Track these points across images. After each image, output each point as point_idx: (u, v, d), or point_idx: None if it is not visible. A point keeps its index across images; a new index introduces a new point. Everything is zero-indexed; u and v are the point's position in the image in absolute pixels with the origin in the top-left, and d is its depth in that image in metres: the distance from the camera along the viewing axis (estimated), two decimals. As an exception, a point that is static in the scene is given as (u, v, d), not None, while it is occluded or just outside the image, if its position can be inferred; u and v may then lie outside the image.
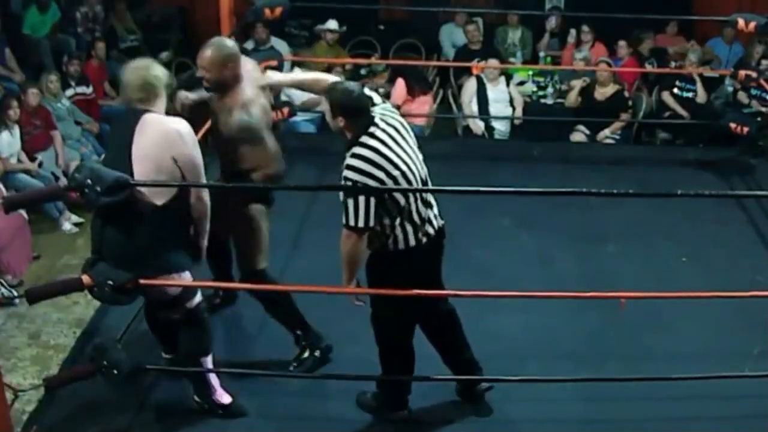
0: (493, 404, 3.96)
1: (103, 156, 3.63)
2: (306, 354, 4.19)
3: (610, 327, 4.51)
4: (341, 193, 3.43)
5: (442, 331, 3.87)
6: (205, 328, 3.76)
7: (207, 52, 3.87)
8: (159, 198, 3.41)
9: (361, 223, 3.40)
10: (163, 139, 3.39)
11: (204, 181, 3.60)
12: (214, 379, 3.86)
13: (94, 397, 3.90)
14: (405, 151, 3.50)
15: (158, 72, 3.54)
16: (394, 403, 3.90)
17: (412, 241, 3.54)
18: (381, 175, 3.40)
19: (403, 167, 3.45)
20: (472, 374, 3.92)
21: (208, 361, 3.80)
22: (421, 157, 3.62)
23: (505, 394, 3.94)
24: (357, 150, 3.43)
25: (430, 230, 3.60)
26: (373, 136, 3.45)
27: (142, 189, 3.37)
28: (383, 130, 3.48)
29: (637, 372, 4.00)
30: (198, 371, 3.82)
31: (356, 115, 3.47)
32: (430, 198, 3.62)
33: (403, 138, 3.53)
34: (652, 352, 4.37)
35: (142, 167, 3.37)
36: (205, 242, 3.67)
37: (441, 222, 3.69)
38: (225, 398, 3.89)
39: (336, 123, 3.50)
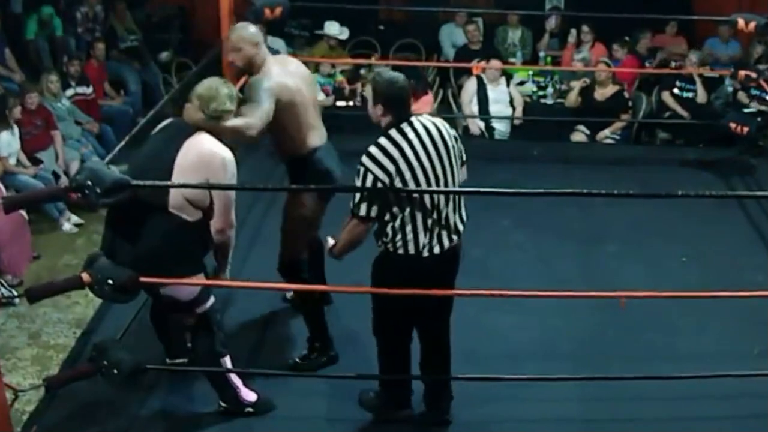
0: (494, 404, 3.97)
1: (139, 154, 3.65)
2: (314, 355, 4.20)
3: (610, 327, 4.51)
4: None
5: (426, 347, 3.84)
6: (219, 331, 3.74)
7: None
8: (192, 215, 3.46)
9: (362, 212, 3.42)
10: (204, 161, 3.44)
11: (232, 216, 3.56)
12: (235, 379, 3.84)
13: (94, 397, 3.90)
14: (430, 158, 3.46)
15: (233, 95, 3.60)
16: (396, 402, 3.89)
17: (412, 249, 3.49)
18: (391, 169, 3.39)
19: (419, 172, 3.43)
20: (438, 397, 3.89)
21: (226, 363, 3.79)
22: (454, 171, 3.55)
23: (505, 394, 3.94)
24: (380, 140, 3.45)
25: (436, 247, 3.52)
26: (401, 132, 3.45)
27: (173, 204, 3.42)
28: (414, 130, 3.47)
29: (638, 372, 4.00)
30: (206, 371, 3.82)
31: (394, 106, 3.47)
32: (449, 215, 3.53)
33: (435, 145, 3.48)
34: (652, 352, 4.37)
35: (180, 180, 3.41)
36: (227, 271, 3.70)
37: (455, 241, 3.59)
38: (251, 396, 3.88)
39: (375, 111, 3.50)
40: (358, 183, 3.43)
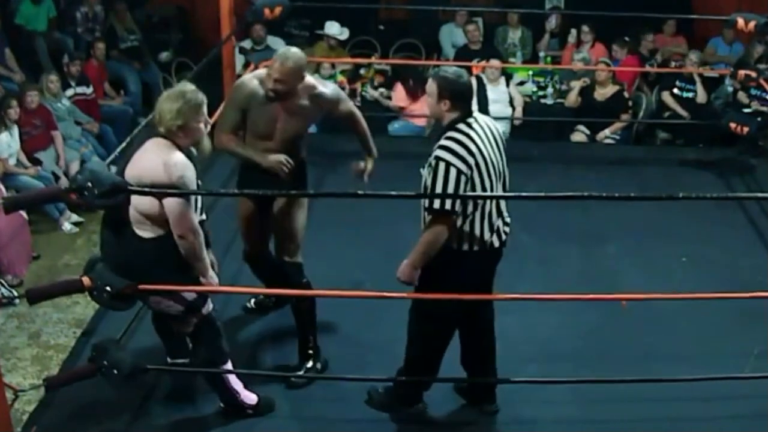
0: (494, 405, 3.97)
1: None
2: (310, 364, 4.17)
3: (611, 327, 4.51)
4: (427, 178, 3.40)
5: (474, 345, 3.85)
6: (219, 336, 3.71)
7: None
8: (145, 232, 3.36)
9: (447, 206, 3.35)
10: (148, 166, 3.29)
11: (190, 222, 3.32)
12: (235, 383, 3.82)
13: (94, 397, 3.89)
14: (494, 153, 3.48)
15: (193, 100, 3.37)
16: (410, 397, 3.87)
17: (476, 245, 3.49)
18: (471, 161, 3.38)
19: (489, 166, 3.45)
20: (485, 393, 3.93)
21: (228, 367, 3.76)
22: (504, 165, 3.59)
23: (506, 394, 3.94)
24: (452, 134, 3.43)
25: (496, 241, 3.55)
26: (470, 126, 3.45)
27: (132, 220, 3.33)
28: (480, 125, 3.48)
29: (638, 372, 3.99)
30: (206, 377, 3.82)
31: (461, 100, 3.46)
32: (503, 208, 3.60)
33: (496, 141, 3.52)
34: (652, 353, 4.37)
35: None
36: (208, 276, 3.53)
37: (507, 234, 3.65)
38: (251, 398, 3.87)
39: (439, 107, 3.47)
40: (440, 179, 3.35)
